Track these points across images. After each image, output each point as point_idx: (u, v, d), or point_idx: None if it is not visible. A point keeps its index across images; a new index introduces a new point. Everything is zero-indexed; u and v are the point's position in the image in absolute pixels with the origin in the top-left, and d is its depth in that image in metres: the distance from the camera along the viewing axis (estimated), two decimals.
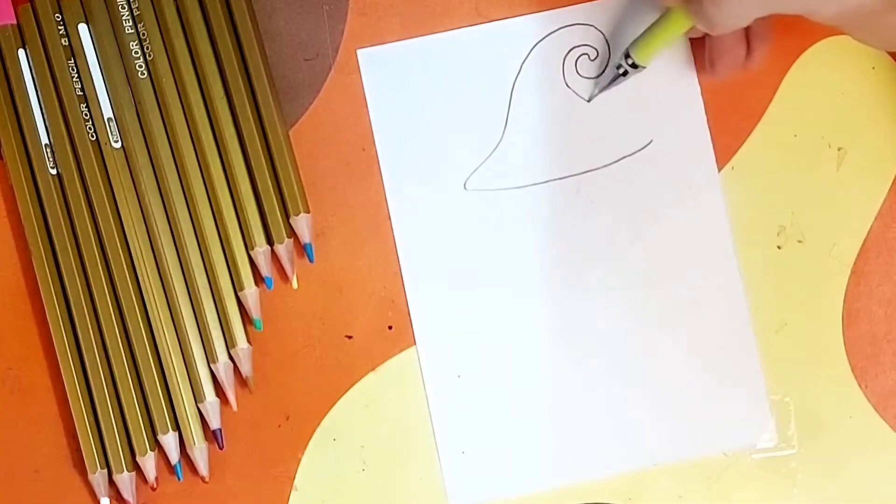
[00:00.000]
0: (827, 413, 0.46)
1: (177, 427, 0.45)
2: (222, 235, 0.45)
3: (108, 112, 0.45)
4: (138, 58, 0.46)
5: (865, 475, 0.46)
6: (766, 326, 0.46)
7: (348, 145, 0.47)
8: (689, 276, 0.46)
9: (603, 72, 0.46)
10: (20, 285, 0.46)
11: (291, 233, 0.46)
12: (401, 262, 0.46)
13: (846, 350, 0.46)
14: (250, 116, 0.45)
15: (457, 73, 0.47)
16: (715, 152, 0.47)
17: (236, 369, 0.46)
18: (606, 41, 0.47)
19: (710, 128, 0.47)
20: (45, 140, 0.46)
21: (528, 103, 0.47)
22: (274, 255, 0.46)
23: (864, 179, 0.47)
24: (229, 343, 0.45)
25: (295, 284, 0.46)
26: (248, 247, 0.45)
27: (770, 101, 0.47)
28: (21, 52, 0.46)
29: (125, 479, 0.45)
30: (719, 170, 0.47)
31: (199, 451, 0.45)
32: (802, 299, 0.46)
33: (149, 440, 0.45)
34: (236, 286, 0.45)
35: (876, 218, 0.47)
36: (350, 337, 0.46)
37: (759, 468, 0.46)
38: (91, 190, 0.45)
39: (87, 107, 0.45)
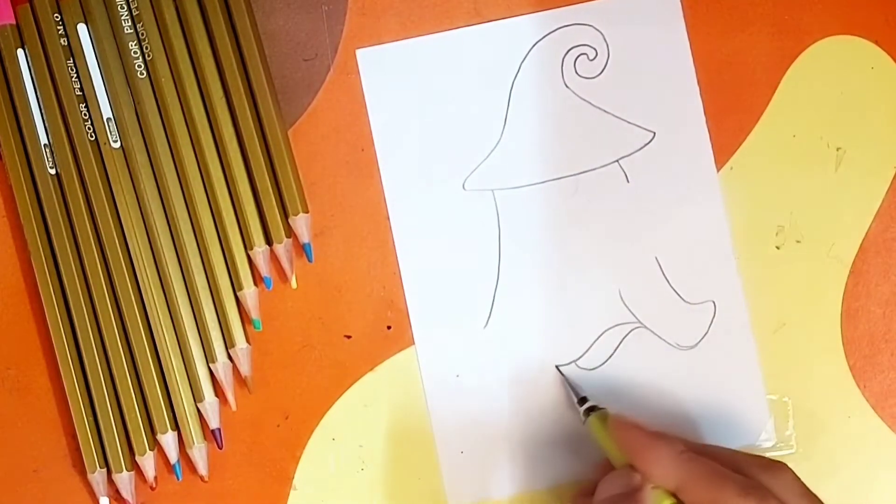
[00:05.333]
0: (825, 413, 0.46)
1: (176, 427, 0.45)
2: (221, 235, 0.45)
3: (107, 112, 0.45)
4: (137, 58, 0.45)
5: (864, 475, 0.46)
6: (764, 326, 0.46)
7: (347, 145, 0.47)
8: (687, 276, 0.46)
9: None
10: (19, 285, 0.46)
11: (290, 233, 0.46)
12: (399, 262, 0.46)
13: (844, 350, 0.46)
14: (249, 116, 0.45)
15: (455, 73, 0.47)
16: (713, 152, 0.47)
17: (235, 369, 0.46)
18: (605, 41, 0.47)
19: (708, 128, 0.47)
20: (44, 140, 0.45)
21: (526, 103, 0.47)
22: (273, 255, 0.46)
23: (862, 179, 0.47)
24: (228, 343, 0.45)
25: (294, 284, 0.46)
26: (247, 247, 0.45)
27: (768, 101, 0.47)
28: (20, 52, 0.46)
29: (124, 479, 0.45)
30: (718, 170, 0.47)
31: (199, 450, 0.45)
32: (801, 299, 0.46)
33: (148, 440, 0.45)
34: (235, 286, 0.45)
35: (874, 218, 0.47)
36: (349, 337, 0.46)
37: None
38: (90, 190, 0.45)
39: (87, 107, 0.45)
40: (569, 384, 0.45)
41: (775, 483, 0.38)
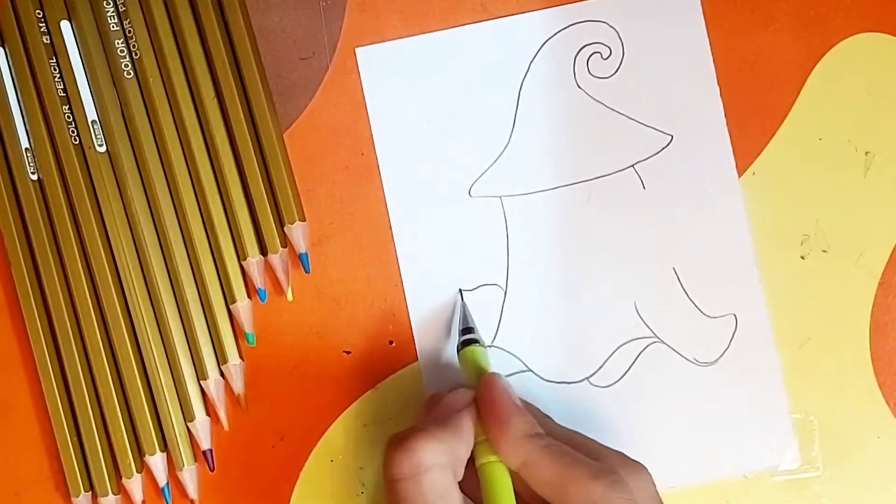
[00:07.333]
0: (853, 433, 0.45)
1: (165, 448, 0.44)
2: (213, 245, 0.45)
3: (92, 114, 0.45)
4: (124, 57, 0.45)
5: (894, 498, 0.45)
6: (788, 341, 0.45)
7: (346, 149, 0.46)
8: (707, 288, 0.45)
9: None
10: None
11: (286, 242, 0.45)
12: (402, 274, 0.46)
13: (873, 365, 0.46)
14: (242, 119, 0.44)
15: (461, 73, 0.46)
16: (735, 157, 0.46)
17: (228, 386, 0.45)
18: (620, 38, 0.46)
19: (729, 131, 0.46)
20: (25, 144, 0.45)
21: (536, 105, 0.46)
22: (268, 266, 0.45)
23: (892, 185, 0.46)
24: (220, 359, 0.45)
25: (290, 297, 0.46)
26: (240, 257, 0.45)
27: (793, 102, 0.46)
28: (0, 51, 0.45)
29: (110, 503, 0.44)
30: (739, 175, 0.46)
31: (189, 472, 0.45)
32: (827, 312, 0.46)
33: (135, 462, 0.44)
34: (228, 299, 0.45)
35: None
36: (348, 352, 0.45)
37: (781, 491, 0.45)
38: (74, 196, 0.45)
39: (70, 108, 0.45)
40: (463, 312, 0.45)
41: (631, 479, 0.37)
